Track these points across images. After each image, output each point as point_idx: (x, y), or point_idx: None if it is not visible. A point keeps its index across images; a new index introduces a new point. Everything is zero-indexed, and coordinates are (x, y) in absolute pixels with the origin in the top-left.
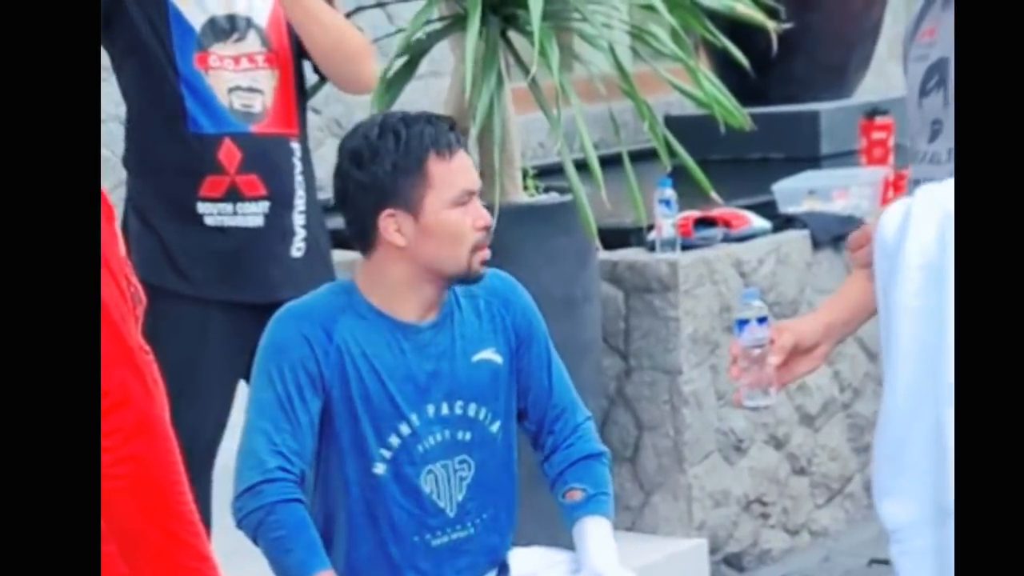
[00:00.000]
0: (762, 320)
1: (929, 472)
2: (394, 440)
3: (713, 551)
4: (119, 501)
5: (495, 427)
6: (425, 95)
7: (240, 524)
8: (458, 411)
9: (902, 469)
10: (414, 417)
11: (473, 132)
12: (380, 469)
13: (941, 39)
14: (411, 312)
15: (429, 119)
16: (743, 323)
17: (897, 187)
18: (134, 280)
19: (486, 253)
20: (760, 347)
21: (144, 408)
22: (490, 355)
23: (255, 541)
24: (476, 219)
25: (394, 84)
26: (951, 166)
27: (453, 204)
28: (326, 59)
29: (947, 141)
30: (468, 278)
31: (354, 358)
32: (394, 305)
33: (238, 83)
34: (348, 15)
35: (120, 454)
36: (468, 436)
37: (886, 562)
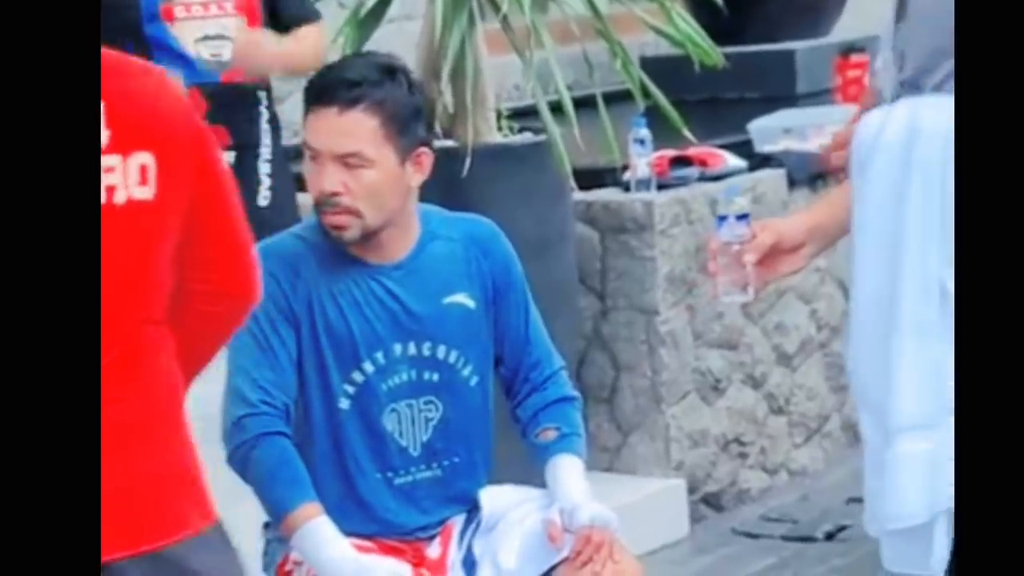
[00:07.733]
0: (742, 217)
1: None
2: (358, 376)
3: (691, 491)
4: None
5: (467, 371)
6: (398, 37)
7: (230, 461)
8: (426, 352)
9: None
10: (379, 355)
11: (445, 73)
12: (344, 404)
13: None
14: (373, 252)
15: (350, 68)
16: (723, 218)
17: None
18: None
19: (331, 219)
20: (740, 243)
21: None
22: (462, 299)
23: (244, 478)
24: (316, 180)
25: (365, 24)
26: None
27: (309, 157)
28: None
29: (902, 73)
30: (328, 235)
31: (320, 295)
32: (357, 244)
33: (206, 32)
34: None
35: None
36: (436, 377)
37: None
